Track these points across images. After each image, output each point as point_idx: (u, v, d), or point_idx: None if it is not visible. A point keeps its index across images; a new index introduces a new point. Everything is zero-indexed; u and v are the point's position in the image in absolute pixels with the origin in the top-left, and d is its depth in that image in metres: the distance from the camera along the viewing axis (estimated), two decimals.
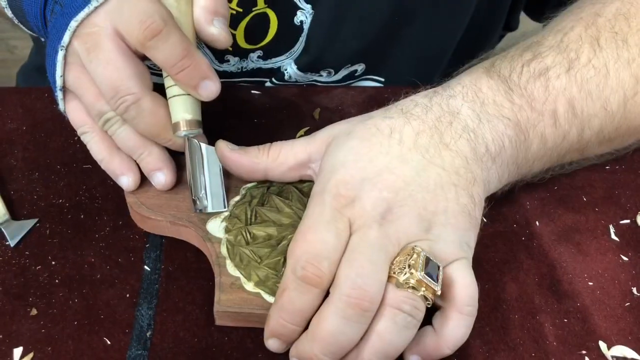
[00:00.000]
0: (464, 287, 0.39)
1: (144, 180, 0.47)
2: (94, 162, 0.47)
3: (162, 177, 0.46)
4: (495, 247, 0.48)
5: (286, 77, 0.65)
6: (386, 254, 0.38)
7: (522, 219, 0.50)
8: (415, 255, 0.38)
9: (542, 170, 0.49)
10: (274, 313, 0.39)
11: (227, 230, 0.44)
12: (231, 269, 0.42)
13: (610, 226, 0.50)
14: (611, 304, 0.45)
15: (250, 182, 0.47)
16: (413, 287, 0.37)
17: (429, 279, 0.37)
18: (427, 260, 0.38)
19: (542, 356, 0.41)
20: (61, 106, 0.46)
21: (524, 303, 0.44)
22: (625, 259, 0.48)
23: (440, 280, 0.38)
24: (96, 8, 0.42)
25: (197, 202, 0.45)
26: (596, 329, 0.43)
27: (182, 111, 0.43)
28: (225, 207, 0.46)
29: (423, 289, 0.37)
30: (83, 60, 0.43)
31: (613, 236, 0.49)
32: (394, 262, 0.38)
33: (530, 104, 0.45)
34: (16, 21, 0.50)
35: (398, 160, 0.41)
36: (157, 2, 0.42)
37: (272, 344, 0.40)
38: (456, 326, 0.39)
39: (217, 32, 0.44)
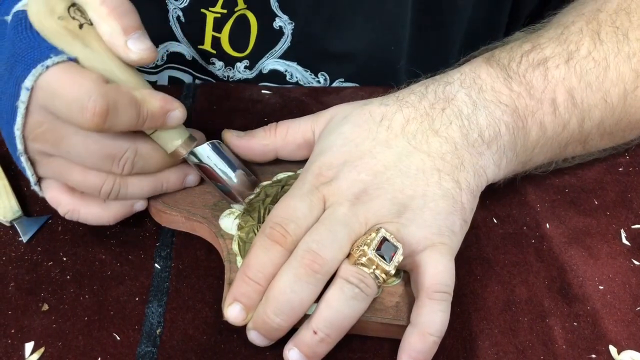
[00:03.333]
0: (434, 273, 0.40)
1: None
2: None
3: (192, 178, 0.47)
4: (505, 248, 0.48)
5: (287, 77, 0.64)
6: (350, 230, 0.40)
7: (533, 221, 0.50)
8: (373, 235, 0.39)
9: (544, 162, 0.49)
10: (238, 274, 0.40)
11: (240, 228, 0.45)
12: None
13: (622, 230, 0.49)
14: (622, 308, 0.44)
15: (264, 173, 0.48)
16: (364, 265, 0.39)
17: (381, 258, 0.39)
18: (383, 241, 0.39)
19: (551, 359, 0.41)
20: (42, 195, 0.44)
21: (534, 306, 0.44)
22: (636, 263, 0.47)
23: (394, 261, 0.39)
24: (27, 109, 0.38)
25: (240, 196, 0.45)
26: (606, 333, 0.43)
27: (171, 140, 0.43)
28: (259, 184, 0.47)
29: (374, 267, 0.39)
30: (55, 153, 0.40)
31: (624, 240, 0.49)
32: (357, 241, 0.40)
33: (529, 92, 0.45)
34: None
35: (382, 145, 0.43)
36: (81, 74, 0.37)
37: (232, 310, 0.39)
38: (428, 312, 0.39)
39: (137, 56, 0.39)
